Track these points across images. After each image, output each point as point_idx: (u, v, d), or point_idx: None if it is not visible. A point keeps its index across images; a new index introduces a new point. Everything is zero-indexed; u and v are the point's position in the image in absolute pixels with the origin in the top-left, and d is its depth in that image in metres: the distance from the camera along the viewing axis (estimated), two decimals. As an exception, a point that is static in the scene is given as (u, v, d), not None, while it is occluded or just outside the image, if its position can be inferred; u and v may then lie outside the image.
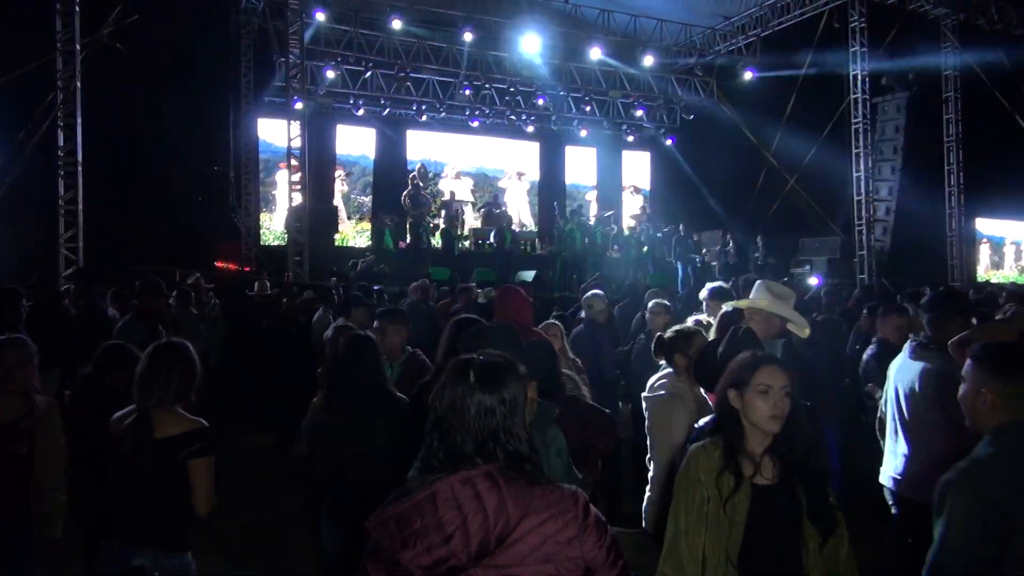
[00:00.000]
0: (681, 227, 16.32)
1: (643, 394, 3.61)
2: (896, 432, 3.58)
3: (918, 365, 3.50)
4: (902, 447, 3.53)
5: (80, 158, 10.69)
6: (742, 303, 3.76)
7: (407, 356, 4.31)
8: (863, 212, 15.40)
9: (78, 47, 10.79)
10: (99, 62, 11.14)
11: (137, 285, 6.23)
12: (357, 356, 3.37)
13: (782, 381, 2.22)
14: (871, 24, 15.31)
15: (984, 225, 20.65)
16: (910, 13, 15.69)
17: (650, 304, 5.70)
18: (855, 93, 15.38)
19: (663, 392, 3.45)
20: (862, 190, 15.42)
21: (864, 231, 15.39)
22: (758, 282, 3.75)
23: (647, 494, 3.42)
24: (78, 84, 10.72)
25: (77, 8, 10.68)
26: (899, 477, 3.53)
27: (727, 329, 3.67)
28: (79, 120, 10.71)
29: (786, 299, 3.61)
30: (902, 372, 3.60)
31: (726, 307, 3.76)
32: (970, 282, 16.52)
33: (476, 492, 1.49)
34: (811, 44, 16.25)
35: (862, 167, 15.40)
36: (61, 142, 10.70)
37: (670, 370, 3.55)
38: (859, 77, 15.33)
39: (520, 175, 21.47)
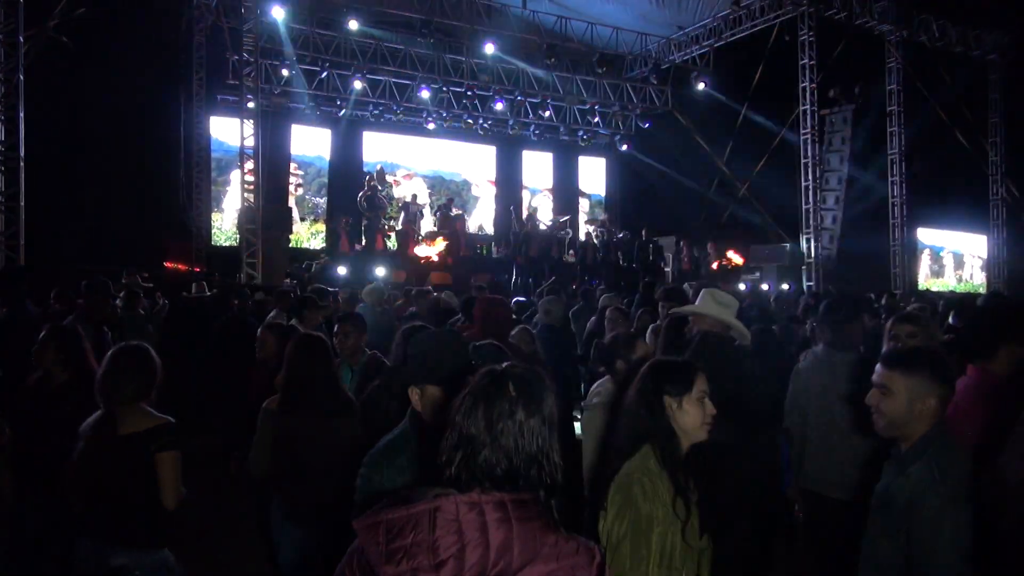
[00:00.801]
0: (644, 232, 16.56)
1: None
2: (810, 434, 3.75)
3: (830, 367, 3.69)
4: (815, 447, 3.70)
5: (23, 153, 10.37)
6: (685, 309, 3.87)
7: (367, 358, 4.33)
8: (811, 221, 15.83)
9: (21, 39, 10.48)
10: (44, 55, 10.83)
11: (84, 285, 6.06)
12: (312, 356, 3.36)
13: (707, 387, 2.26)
14: (819, 38, 15.77)
15: (925, 235, 21.40)
16: (856, 29, 16.20)
17: (608, 311, 5.76)
18: (803, 105, 15.81)
19: (595, 400, 3.35)
20: (809, 199, 15.85)
21: (812, 239, 15.81)
22: (703, 290, 3.86)
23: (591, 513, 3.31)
24: (21, 77, 10.40)
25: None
26: (811, 475, 3.71)
27: (672, 332, 3.76)
28: (21, 114, 10.40)
29: (729, 307, 3.72)
30: (816, 374, 3.78)
31: (671, 312, 3.85)
32: (911, 290, 17.10)
33: (483, 522, 1.31)
34: (762, 56, 16.67)
35: (810, 177, 15.82)
36: (2, 136, 10.38)
37: (607, 377, 3.43)
38: (807, 89, 15.76)
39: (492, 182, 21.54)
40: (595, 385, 3.49)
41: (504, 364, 1.50)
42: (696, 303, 3.80)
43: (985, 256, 21.11)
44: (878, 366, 2.27)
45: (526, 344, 4.92)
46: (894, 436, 2.24)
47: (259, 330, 4.77)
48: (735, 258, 17.06)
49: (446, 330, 2.90)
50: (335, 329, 4.39)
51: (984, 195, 19.14)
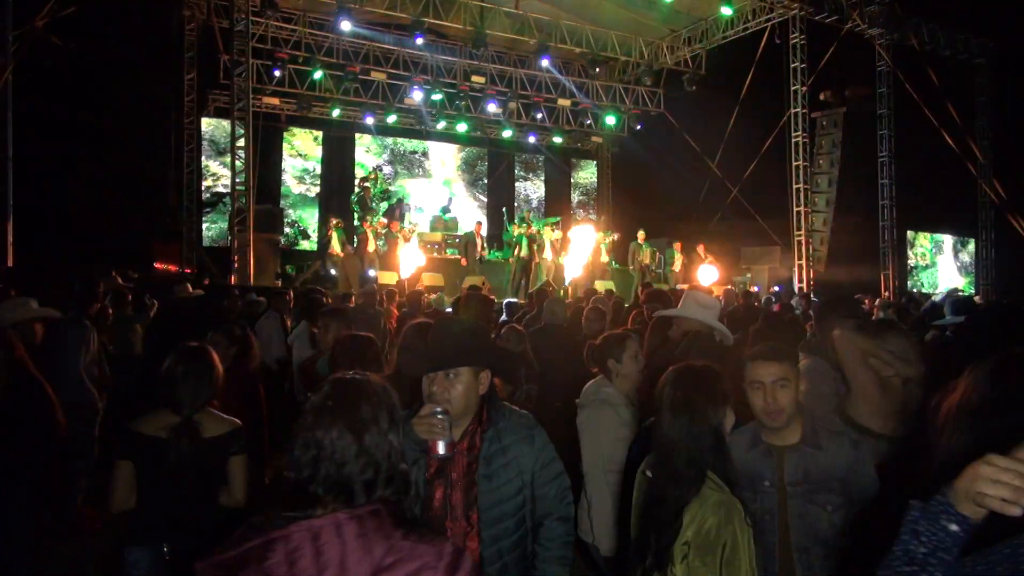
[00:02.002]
0: (639, 235, 16.61)
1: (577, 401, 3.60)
2: None
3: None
4: None
5: (11, 153, 10.30)
6: (669, 312, 3.95)
7: None
8: (801, 222, 15.90)
9: (10, 38, 10.42)
10: (33, 54, 10.77)
11: (74, 288, 6.03)
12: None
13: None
14: (810, 42, 15.86)
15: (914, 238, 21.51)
16: (847, 32, 16.29)
17: (586, 310, 5.78)
18: (794, 107, 15.89)
19: (592, 399, 3.40)
20: (800, 201, 15.92)
21: (803, 241, 15.88)
22: (686, 293, 3.91)
23: (586, 506, 3.29)
24: (9, 77, 10.34)
25: (11, -2, 10.32)
26: None
27: (658, 334, 3.82)
28: (10, 114, 10.33)
29: (711, 308, 3.77)
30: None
31: (655, 314, 3.91)
32: (900, 291, 17.21)
33: (319, 546, 1.29)
34: (753, 59, 16.74)
35: (801, 179, 15.90)
36: (-9, 136, 10.31)
37: (601, 377, 3.47)
38: (798, 92, 15.84)
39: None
40: (588, 384, 3.50)
41: (339, 375, 1.50)
42: (679, 306, 3.85)
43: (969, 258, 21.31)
44: (769, 366, 2.40)
45: (514, 344, 4.93)
46: (782, 425, 2.39)
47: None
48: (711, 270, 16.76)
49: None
50: (318, 323, 4.52)
51: (972, 197, 19.29)
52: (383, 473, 1.40)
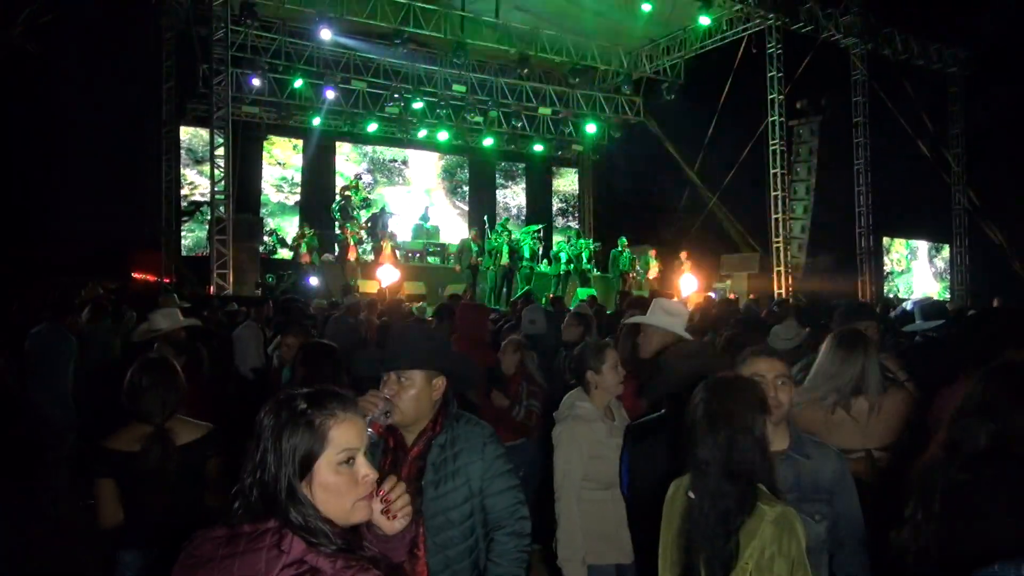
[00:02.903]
0: (620, 242, 16.70)
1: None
2: None
3: None
4: None
5: (-15, 163, 10.17)
6: (635, 319, 3.94)
7: None
8: (780, 229, 16.07)
9: (-15, 47, 10.30)
10: (8, 63, 10.65)
11: (51, 298, 5.98)
12: None
13: None
14: (787, 51, 16.06)
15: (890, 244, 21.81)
16: (823, 42, 16.53)
17: (567, 316, 5.79)
18: (772, 116, 16.08)
19: (566, 413, 3.29)
20: (779, 208, 16.09)
21: (781, 248, 16.04)
22: (654, 300, 3.92)
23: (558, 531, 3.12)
24: (-16, 85, 10.22)
25: (-15, 6, 10.20)
26: None
27: (627, 341, 3.82)
28: (-15, 123, 10.20)
29: (678, 316, 3.77)
30: None
31: (624, 322, 3.90)
32: (877, 297, 17.42)
33: (239, 552, 1.34)
34: (732, 68, 16.93)
35: (779, 186, 16.07)
36: (-35, 145, 10.16)
37: (578, 389, 3.36)
38: (775, 101, 16.03)
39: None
40: (567, 396, 3.39)
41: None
42: (647, 314, 3.84)
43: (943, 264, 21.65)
44: (772, 361, 2.40)
45: (510, 356, 4.83)
46: (777, 423, 2.34)
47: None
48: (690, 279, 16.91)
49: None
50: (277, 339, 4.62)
51: (946, 204, 19.60)
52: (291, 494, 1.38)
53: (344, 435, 1.43)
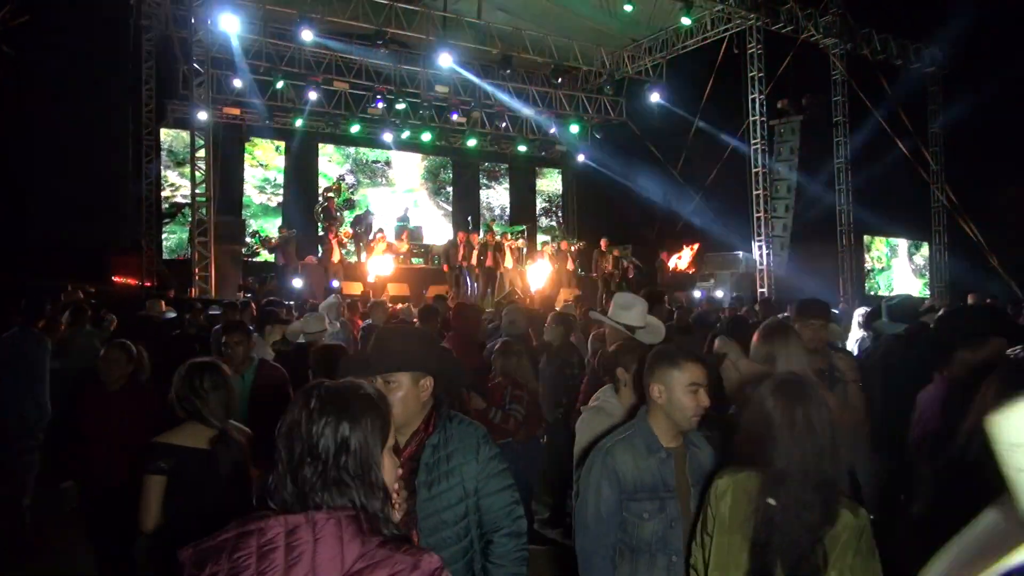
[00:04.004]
0: (603, 242, 16.74)
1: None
2: None
3: None
4: None
5: (-39, 166, 10.04)
6: (592, 315, 4.04)
7: (256, 364, 4.49)
8: (762, 228, 16.18)
9: (-40, 48, 10.16)
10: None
11: (22, 303, 5.95)
12: None
13: None
14: (767, 51, 16.19)
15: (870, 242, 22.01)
16: (803, 42, 16.67)
17: (549, 316, 5.81)
18: (753, 115, 16.19)
19: (592, 404, 3.36)
20: (760, 207, 16.21)
21: (763, 247, 16.16)
22: (614, 296, 3.98)
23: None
24: (-40, 87, 10.09)
25: (-41, 7, 10.07)
26: None
27: (598, 339, 3.90)
28: (-39, 126, 10.07)
29: (627, 308, 3.80)
30: None
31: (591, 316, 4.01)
32: (858, 294, 17.58)
33: (314, 539, 1.28)
34: (713, 68, 17.04)
35: (760, 186, 16.19)
36: (-60, 149, 10.03)
37: (609, 385, 3.39)
38: (756, 100, 16.15)
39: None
40: (599, 392, 3.43)
41: (326, 380, 1.48)
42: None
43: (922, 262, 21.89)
44: (702, 368, 2.45)
45: (500, 360, 4.81)
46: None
47: None
48: (680, 263, 17.31)
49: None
50: (222, 339, 4.55)
51: (925, 202, 19.82)
52: (352, 479, 1.37)
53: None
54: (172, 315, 8.39)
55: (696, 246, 17.39)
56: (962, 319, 3.37)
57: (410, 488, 2.11)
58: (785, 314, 6.52)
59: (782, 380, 2.06)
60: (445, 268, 15.66)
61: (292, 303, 10.46)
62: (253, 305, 9.00)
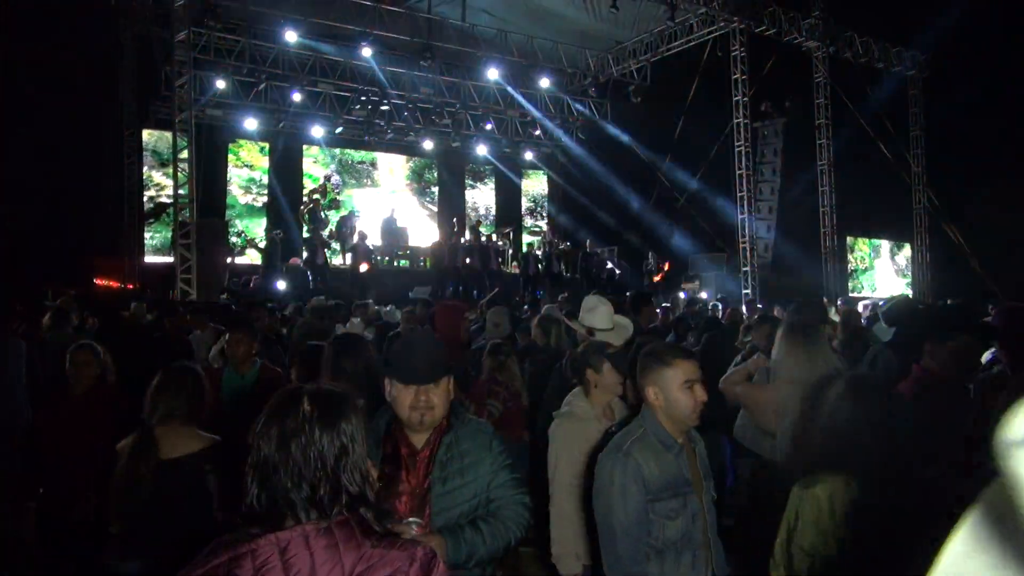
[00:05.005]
0: (588, 243, 16.78)
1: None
2: None
3: None
4: None
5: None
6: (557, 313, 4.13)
7: (258, 364, 4.42)
8: (746, 230, 16.28)
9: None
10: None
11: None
12: None
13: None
14: (751, 54, 16.28)
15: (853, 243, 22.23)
16: (786, 45, 16.79)
17: (537, 318, 5.81)
18: (737, 118, 16.27)
19: (562, 410, 3.33)
20: (745, 209, 16.30)
21: (748, 248, 16.25)
22: (585, 298, 4.03)
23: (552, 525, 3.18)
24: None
25: (-63, 7, 9.95)
26: None
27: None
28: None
29: (591, 310, 3.84)
30: None
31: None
32: (842, 295, 17.71)
33: (310, 552, 1.28)
34: (697, 70, 17.13)
35: (744, 187, 16.28)
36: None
37: (579, 388, 3.36)
38: (740, 103, 16.25)
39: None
40: (568, 395, 3.40)
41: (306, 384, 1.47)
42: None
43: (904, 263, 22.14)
44: (695, 364, 2.45)
45: (491, 360, 4.78)
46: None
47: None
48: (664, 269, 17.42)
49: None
50: (227, 338, 4.52)
51: (908, 204, 20.03)
52: (349, 485, 1.37)
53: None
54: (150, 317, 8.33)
55: (667, 265, 17.41)
56: (933, 317, 3.53)
57: (425, 484, 2.18)
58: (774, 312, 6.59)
59: (861, 383, 2.00)
60: (427, 266, 15.63)
61: (273, 304, 10.39)
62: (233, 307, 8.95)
